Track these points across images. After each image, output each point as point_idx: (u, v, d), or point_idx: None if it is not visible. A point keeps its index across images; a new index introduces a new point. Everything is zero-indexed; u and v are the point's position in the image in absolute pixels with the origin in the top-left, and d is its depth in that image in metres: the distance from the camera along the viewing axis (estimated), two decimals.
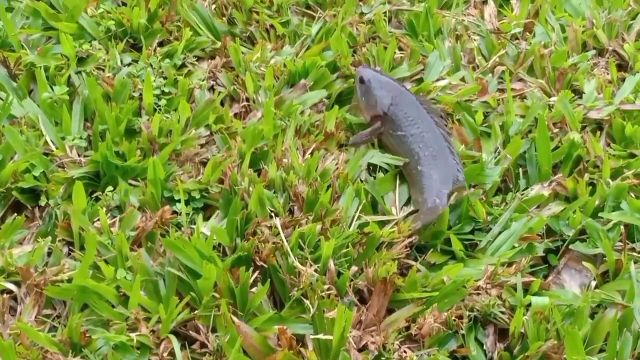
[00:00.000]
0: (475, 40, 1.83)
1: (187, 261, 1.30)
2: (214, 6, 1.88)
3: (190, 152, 1.54)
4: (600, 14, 1.88)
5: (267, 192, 1.43)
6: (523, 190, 1.50)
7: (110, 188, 1.46)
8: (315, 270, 1.30)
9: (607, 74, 1.78)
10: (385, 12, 1.89)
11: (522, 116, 1.66)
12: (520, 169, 1.57)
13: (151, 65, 1.71)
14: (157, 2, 1.84)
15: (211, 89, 1.72)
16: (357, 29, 1.83)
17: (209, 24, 1.84)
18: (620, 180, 1.47)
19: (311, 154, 1.53)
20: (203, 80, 1.69)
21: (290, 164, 1.48)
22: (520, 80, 1.76)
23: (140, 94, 1.64)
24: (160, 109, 1.63)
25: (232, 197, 1.44)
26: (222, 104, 1.67)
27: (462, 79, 1.75)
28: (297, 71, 1.69)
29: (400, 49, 1.82)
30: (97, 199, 1.47)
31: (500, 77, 1.77)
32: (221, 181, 1.49)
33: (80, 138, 1.58)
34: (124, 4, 1.88)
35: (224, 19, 1.87)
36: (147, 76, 1.62)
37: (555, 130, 1.61)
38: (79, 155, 1.54)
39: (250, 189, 1.42)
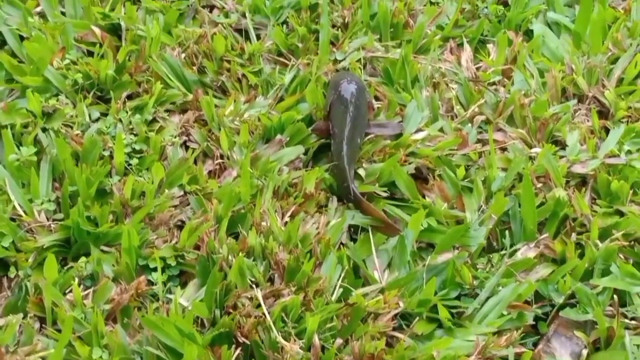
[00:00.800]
0: (453, 88, 1.82)
1: (166, 339, 1.27)
2: (183, 55, 1.84)
3: (164, 216, 1.50)
4: (580, 59, 1.87)
5: (247, 261, 1.39)
6: (509, 249, 1.48)
7: (83, 259, 1.42)
8: (300, 347, 1.26)
9: (589, 120, 1.77)
10: (359, 59, 1.86)
11: (504, 169, 1.64)
12: (505, 226, 1.54)
13: (121, 121, 1.67)
14: (125, 52, 1.79)
15: (184, 144, 1.68)
16: (331, 75, 1.80)
17: (179, 74, 1.81)
18: (609, 242, 1.45)
19: (291, 216, 1.50)
20: (175, 137, 1.65)
21: (269, 228, 1.45)
22: (500, 130, 1.75)
23: (111, 152, 1.60)
24: (131, 169, 1.58)
25: (209, 264, 1.41)
26: (195, 161, 1.62)
27: (441, 130, 1.73)
28: (273, 126, 1.66)
29: (376, 98, 1.79)
30: (69, 267, 1.43)
31: (480, 126, 1.75)
32: (197, 247, 1.45)
33: (49, 201, 1.54)
34: (91, 54, 1.84)
35: (194, 68, 1.83)
36: (118, 136, 1.58)
37: (539, 185, 1.60)
38: (48, 219, 1.50)
39: (230, 257, 1.39)
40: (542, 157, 1.61)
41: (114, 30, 1.93)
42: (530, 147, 1.71)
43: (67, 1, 1.97)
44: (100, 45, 1.87)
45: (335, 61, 1.89)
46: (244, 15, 1.97)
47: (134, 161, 1.60)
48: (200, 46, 1.86)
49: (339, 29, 1.98)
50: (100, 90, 1.78)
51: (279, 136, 1.66)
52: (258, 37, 1.95)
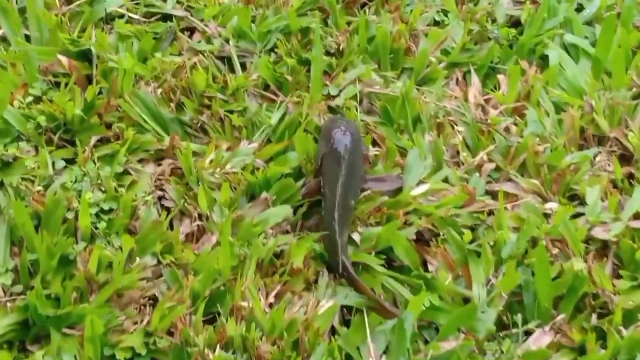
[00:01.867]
0: (459, 131, 1.65)
1: None
2: (160, 90, 1.67)
3: (134, 293, 1.36)
4: (600, 95, 1.70)
5: (226, 355, 1.25)
6: (521, 328, 1.33)
7: (39, 353, 1.28)
8: None
9: (610, 165, 1.62)
10: (355, 95, 1.69)
11: (516, 228, 1.48)
12: (516, 297, 1.40)
13: (88, 174, 1.51)
14: (93, 91, 1.62)
15: (159, 201, 1.52)
16: (324, 119, 1.63)
17: (155, 113, 1.65)
18: (635, 329, 1.31)
19: (276, 296, 1.35)
20: (149, 194, 1.50)
21: (251, 311, 1.31)
22: (511, 180, 1.59)
23: (76, 212, 1.45)
24: (99, 233, 1.43)
25: (183, 355, 1.27)
26: (171, 222, 1.47)
27: (446, 179, 1.57)
28: (257, 182, 1.50)
29: (374, 142, 1.63)
30: (27, 352, 1.29)
31: (489, 175, 1.60)
32: (171, 333, 1.31)
33: (7, 271, 1.40)
34: (58, 84, 1.67)
35: (171, 105, 1.66)
36: (83, 200, 1.42)
37: (555, 251, 1.45)
38: (5, 293, 1.36)
39: (206, 351, 1.25)
40: (558, 221, 1.46)
41: (84, 56, 1.76)
42: (546, 200, 1.56)
43: (32, 24, 1.78)
44: (69, 75, 1.69)
45: (329, 96, 1.72)
46: (227, 41, 1.79)
47: (102, 225, 1.45)
48: (178, 80, 1.69)
49: (334, 56, 1.81)
50: (67, 131, 1.61)
51: (264, 194, 1.50)
52: (243, 66, 1.78)
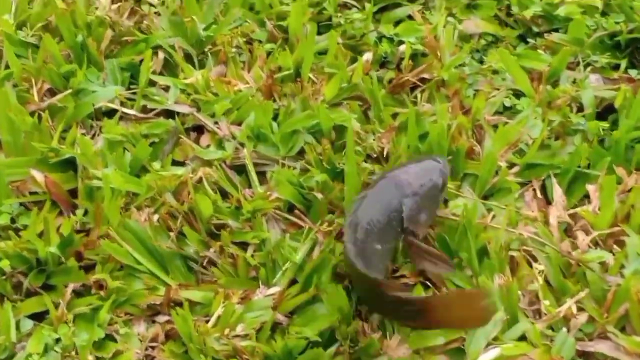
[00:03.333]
0: (539, 269, 1.29)
1: None
2: (156, 216, 1.34)
3: None
4: None
5: None
6: None
7: None
8: None
9: None
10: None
11: None
12: None
13: (61, 340, 1.20)
14: (71, 224, 1.31)
15: None
16: None
17: (149, 248, 1.32)
18: None
19: None
20: None
21: None
22: (608, 339, 1.23)
23: None
24: None
25: None
26: None
27: (522, 337, 1.22)
28: (277, 356, 1.17)
29: (426, 282, 1.29)
30: None
31: (580, 329, 1.24)
32: None
33: None
34: (28, 208, 1.37)
35: (171, 234, 1.33)
36: None
37: None
38: None
39: None
40: None
41: (68, 164, 1.45)
42: None
43: (2, 127, 1.47)
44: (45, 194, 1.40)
45: None
46: (242, 145, 1.46)
47: None
48: (179, 203, 1.36)
49: (377, 161, 1.46)
50: (41, 271, 1.30)
51: None
52: (262, 175, 1.44)
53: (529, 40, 1.73)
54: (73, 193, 1.43)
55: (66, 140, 1.47)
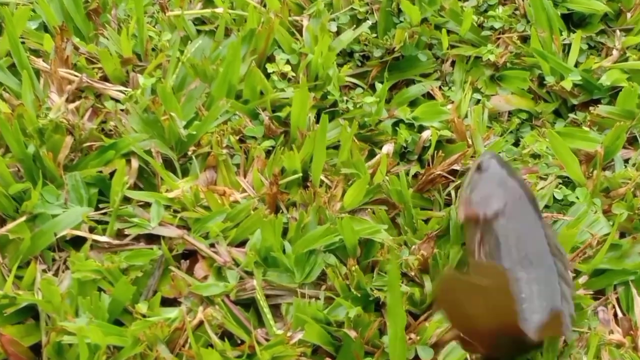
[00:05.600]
0: None
1: None
2: None
3: None
4: None
5: None
6: None
7: None
8: None
9: None
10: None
11: None
12: None
13: None
14: None
15: None
16: None
17: None
18: None
19: None
20: None
21: None
22: None
23: None
24: None
25: None
26: None
27: None
28: None
29: None
30: None
31: None
32: None
33: None
34: None
35: None
36: None
37: None
38: None
39: None
40: None
41: (25, 311, 1.16)
42: None
43: None
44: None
45: None
46: (249, 273, 1.18)
47: None
48: (176, 354, 1.08)
49: (415, 283, 1.19)
50: None
51: None
52: (276, 310, 1.17)
53: (563, 114, 1.50)
54: (37, 348, 1.14)
55: (23, 282, 1.18)
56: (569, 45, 1.53)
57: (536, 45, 1.49)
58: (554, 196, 1.33)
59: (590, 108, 1.45)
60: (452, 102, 1.46)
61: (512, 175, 1.23)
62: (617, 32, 1.56)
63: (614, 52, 1.52)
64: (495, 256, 1.15)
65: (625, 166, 1.38)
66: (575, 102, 1.48)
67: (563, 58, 1.52)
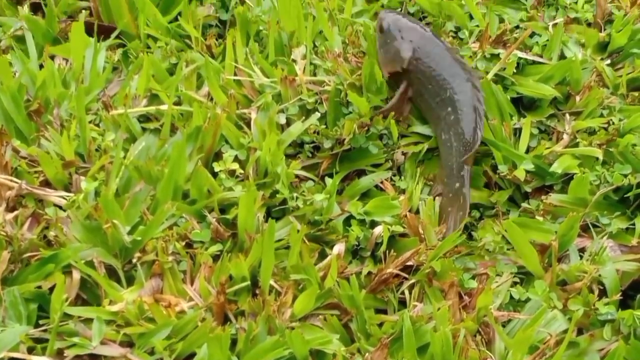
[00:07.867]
0: None
1: None
2: None
3: None
4: None
5: None
6: None
7: None
8: None
9: None
10: None
11: None
12: None
13: None
14: None
15: None
16: None
17: None
18: None
19: None
20: None
21: None
22: None
23: None
24: None
25: None
26: None
27: None
28: None
29: None
30: None
31: None
32: None
33: None
34: None
35: None
36: None
37: None
38: None
39: None
40: None
41: None
42: None
43: None
44: None
45: None
46: None
47: None
48: None
49: None
50: None
51: None
52: None
53: (517, 199, 1.45)
54: None
55: None
56: (520, 129, 1.50)
57: (487, 134, 1.44)
58: (510, 295, 1.28)
59: (543, 197, 1.40)
60: (404, 192, 1.41)
61: (410, 22, 1.49)
62: (567, 115, 1.51)
63: (565, 136, 1.48)
64: (424, 91, 1.45)
65: (581, 256, 1.33)
66: (528, 189, 1.43)
67: (514, 143, 1.48)
